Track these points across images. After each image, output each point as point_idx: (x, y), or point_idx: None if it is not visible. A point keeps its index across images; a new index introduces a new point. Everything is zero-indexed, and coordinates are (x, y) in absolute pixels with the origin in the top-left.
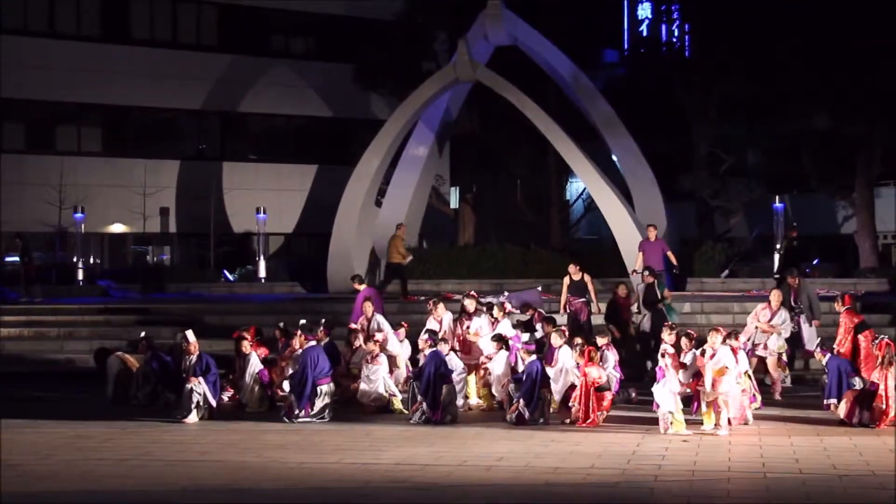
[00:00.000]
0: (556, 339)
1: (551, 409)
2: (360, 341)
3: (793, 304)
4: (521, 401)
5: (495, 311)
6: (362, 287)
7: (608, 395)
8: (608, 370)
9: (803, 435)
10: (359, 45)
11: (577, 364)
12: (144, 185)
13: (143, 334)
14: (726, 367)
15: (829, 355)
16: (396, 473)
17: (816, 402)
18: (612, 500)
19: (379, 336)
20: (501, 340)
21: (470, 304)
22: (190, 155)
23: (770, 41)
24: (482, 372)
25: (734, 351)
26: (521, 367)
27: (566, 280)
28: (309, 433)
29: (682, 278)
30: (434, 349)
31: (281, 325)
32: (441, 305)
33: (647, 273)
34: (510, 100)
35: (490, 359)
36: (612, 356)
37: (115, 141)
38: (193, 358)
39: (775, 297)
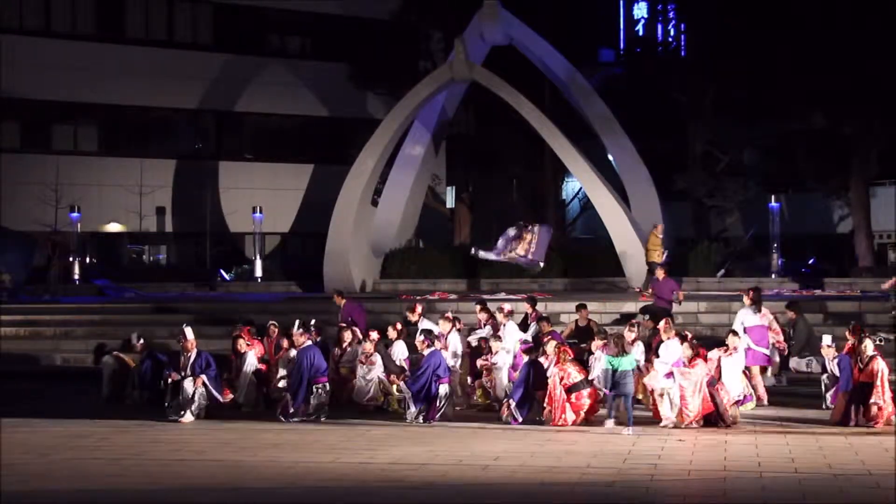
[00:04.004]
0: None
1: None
2: (348, 341)
3: (790, 333)
4: (512, 402)
5: (498, 316)
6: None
7: (584, 395)
8: (597, 371)
9: (799, 434)
10: (355, 45)
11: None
12: (140, 185)
13: (136, 334)
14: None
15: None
16: (392, 473)
17: (812, 402)
18: (607, 500)
19: (374, 335)
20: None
21: (483, 316)
22: (186, 154)
23: (766, 40)
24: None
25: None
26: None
27: (571, 325)
28: (304, 432)
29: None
30: (432, 349)
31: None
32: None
33: (646, 318)
34: (506, 99)
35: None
36: (603, 357)
37: (111, 140)
38: (192, 355)
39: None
